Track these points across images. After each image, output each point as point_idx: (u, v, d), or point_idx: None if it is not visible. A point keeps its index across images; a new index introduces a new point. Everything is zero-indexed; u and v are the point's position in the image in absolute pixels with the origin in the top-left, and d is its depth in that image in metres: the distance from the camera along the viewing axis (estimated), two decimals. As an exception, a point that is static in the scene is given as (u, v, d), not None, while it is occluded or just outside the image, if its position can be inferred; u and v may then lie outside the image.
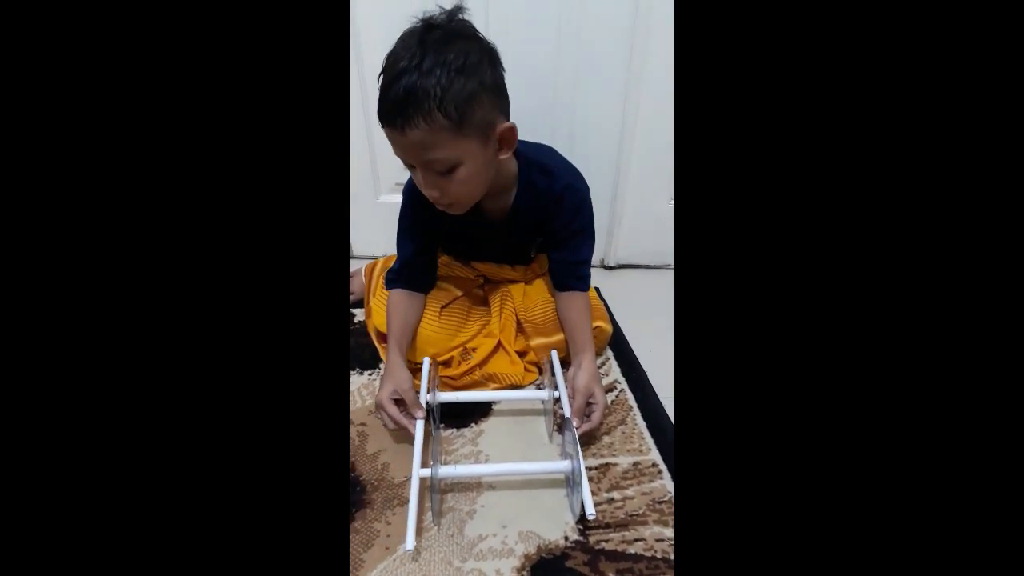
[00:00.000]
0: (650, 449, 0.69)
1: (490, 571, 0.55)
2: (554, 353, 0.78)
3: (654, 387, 0.80)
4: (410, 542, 0.54)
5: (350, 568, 0.54)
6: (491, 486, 0.64)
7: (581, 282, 0.79)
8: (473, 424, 0.74)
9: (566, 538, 0.58)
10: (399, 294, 0.80)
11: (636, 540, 0.58)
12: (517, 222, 0.77)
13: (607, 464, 0.67)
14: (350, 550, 0.56)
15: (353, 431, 0.72)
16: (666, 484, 0.64)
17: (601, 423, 0.69)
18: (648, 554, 0.56)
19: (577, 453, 0.60)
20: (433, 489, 0.59)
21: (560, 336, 0.80)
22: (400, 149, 0.62)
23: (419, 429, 0.65)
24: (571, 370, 0.72)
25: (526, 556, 0.56)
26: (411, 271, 0.80)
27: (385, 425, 0.68)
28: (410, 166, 0.65)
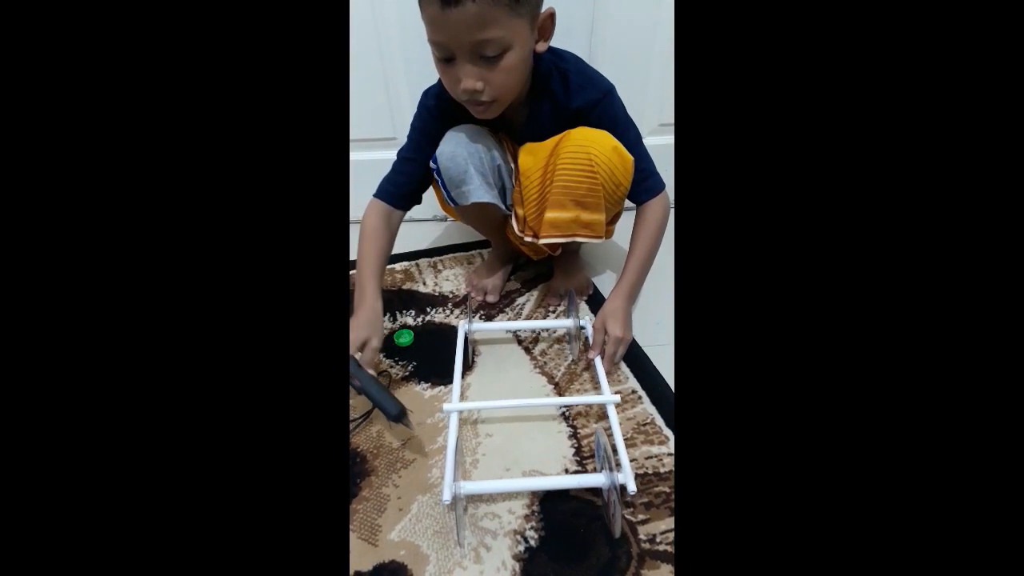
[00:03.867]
0: (627, 378, 0.74)
1: (503, 512, 0.58)
2: (572, 291, 0.82)
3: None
4: (447, 495, 0.54)
5: (369, 535, 0.56)
6: (488, 434, 0.67)
7: (645, 188, 0.74)
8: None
9: (566, 470, 0.63)
10: (375, 215, 0.76)
11: (629, 461, 0.63)
12: (536, 129, 0.73)
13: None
14: (365, 517, 0.58)
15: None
16: (647, 408, 0.70)
17: (614, 356, 0.74)
18: (640, 471, 0.62)
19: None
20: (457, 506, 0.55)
21: (574, 213, 0.71)
22: (448, 28, 0.58)
23: (452, 423, 0.63)
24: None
25: (533, 493, 0.60)
26: (400, 176, 0.77)
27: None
28: (447, 59, 0.61)
